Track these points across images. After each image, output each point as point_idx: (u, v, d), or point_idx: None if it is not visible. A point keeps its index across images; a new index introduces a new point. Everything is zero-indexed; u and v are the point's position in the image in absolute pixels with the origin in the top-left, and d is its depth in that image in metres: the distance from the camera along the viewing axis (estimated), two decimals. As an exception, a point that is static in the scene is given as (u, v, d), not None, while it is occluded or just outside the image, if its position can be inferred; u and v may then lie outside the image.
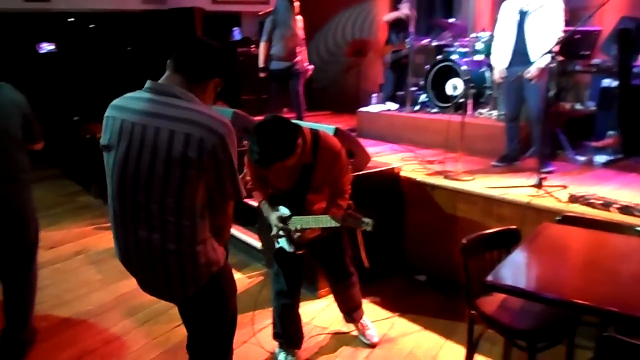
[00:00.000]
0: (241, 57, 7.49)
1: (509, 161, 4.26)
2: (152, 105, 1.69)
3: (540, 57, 3.70)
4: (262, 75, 5.83)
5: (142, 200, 1.68)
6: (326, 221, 2.47)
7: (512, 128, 4.29)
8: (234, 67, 7.37)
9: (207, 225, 1.77)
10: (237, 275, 3.88)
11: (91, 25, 8.45)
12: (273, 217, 2.55)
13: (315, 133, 2.47)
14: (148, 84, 1.75)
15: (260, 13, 7.19)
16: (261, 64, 5.74)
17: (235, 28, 8.32)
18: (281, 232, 2.54)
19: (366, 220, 2.42)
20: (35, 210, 2.80)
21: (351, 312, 3.01)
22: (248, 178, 2.64)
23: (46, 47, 8.18)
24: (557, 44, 3.61)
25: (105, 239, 4.63)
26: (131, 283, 3.67)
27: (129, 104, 1.75)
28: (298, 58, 5.77)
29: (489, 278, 1.96)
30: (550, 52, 3.58)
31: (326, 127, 3.37)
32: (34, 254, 2.84)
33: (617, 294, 1.86)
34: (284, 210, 2.55)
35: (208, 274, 1.80)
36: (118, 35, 8.29)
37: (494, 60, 4.24)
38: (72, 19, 8.22)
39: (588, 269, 2.15)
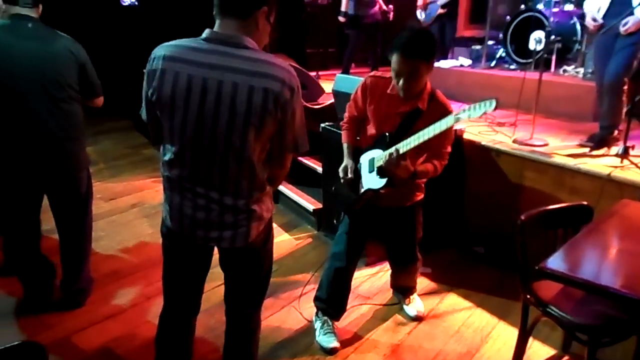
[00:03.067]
0: (308, 7, 7.20)
1: (602, 143, 3.33)
2: (221, 57, 1.56)
3: None
4: (342, 19, 5.71)
5: (219, 159, 1.62)
6: (437, 127, 2.04)
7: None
8: (299, 17, 7.12)
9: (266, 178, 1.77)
10: (284, 236, 3.81)
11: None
12: (365, 157, 2.40)
13: (433, 88, 2.34)
14: (208, 33, 1.60)
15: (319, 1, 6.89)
16: (343, 7, 5.60)
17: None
18: (369, 170, 2.36)
19: (488, 101, 1.94)
20: (88, 164, 2.80)
21: (404, 291, 2.88)
22: (346, 114, 2.52)
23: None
24: None
25: (162, 193, 4.70)
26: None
27: (189, 56, 1.58)
28: (377, 5, 5.77)
29: (543, 264, 1.68)
30: None
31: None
32: (88, 207, 2.86)
33: None
34: (376, 153, 2.32)
35: (264, 225, 1.82)
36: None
37: (587, 4, 3.52)
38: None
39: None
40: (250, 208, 1.72)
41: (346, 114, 2.53)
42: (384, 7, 6.05)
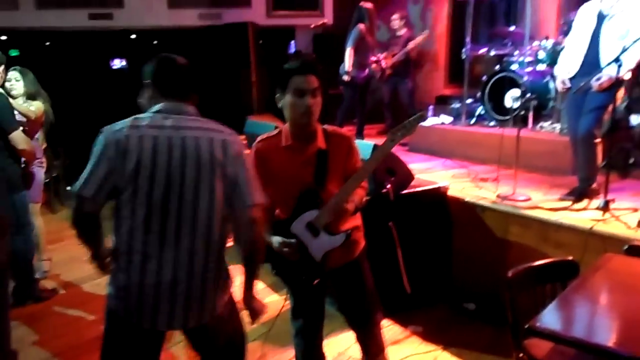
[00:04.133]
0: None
1: (582, 197, 3.44)
2: (178, 121, 1.74)
3: (623, 64, 3.09)
4: (346, 79, 5.88)
5: (188, 214, 1.69)
6: (378, 156, 2.15)
7: None
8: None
9: None
10: (274, 297, 3.75)
11: (154, 42, 8.75)
12: (299, 224, 2.16)
13: (320, 126, 2.24)
14: (157, 109, 1.78)
15: (312, 26, 7.15)
16: (348, 68, 5.78)
17: (291, 41, 8.33)
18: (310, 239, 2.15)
19: (417, 116, 2.12)
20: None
21: (375, 357, 2.45)
22: None
23: (118, 63, 8.60)
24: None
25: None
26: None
27: (147, 123, 1.72)
28: (374, 66, 6.06)
29: (533, 322, 1.69)
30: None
31: (363, 143, 3.18)
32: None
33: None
34: (310, 215, 2.14)
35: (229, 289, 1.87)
36: (178, 51, 8.52)
37: (558, 68, 3.73)
38: (135, 36, 8.54)
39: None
40: (220, 273, 1.80)
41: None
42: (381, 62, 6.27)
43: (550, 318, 1.78)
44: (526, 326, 1.68)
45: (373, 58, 6.12)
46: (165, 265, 1.68)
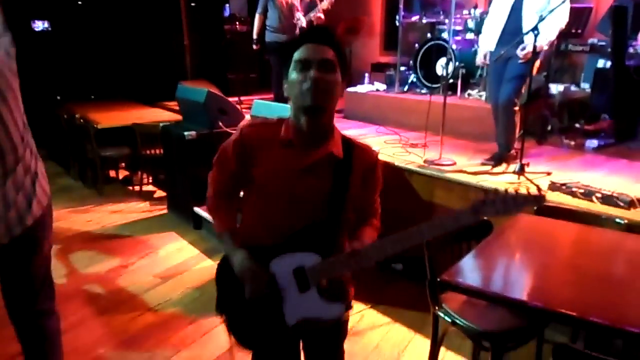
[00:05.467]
0: (228, 34, 7.26)
1: (501, 161, 3.64)
2: None
3: (541, 34, 3.18)
4: (255, 47, 5.69)
5: None
6: (435, 228, 1.42)
7: None
8: (220, 44, 7.17)
9: None
10: (207, 262, 3.77)
11: (79, 2, 8.21)
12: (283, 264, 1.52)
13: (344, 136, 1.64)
14: None
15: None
16: (254, 35, 5.60)
17: (225, 4, 8.08)
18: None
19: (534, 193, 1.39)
20: None
21: None
22: (210, 189, 1.67)
23: (40, 25, 8.01)
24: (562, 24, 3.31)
25: (78, 223, 4.51)
26: (95, 270, 3.62)
27: None
28: (297, 30, 5.55)
29: (446, 276, 1.80)
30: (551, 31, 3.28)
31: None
32: None
33: (597, 300, 1.69)
34: (307, 258, 1.49)
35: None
36: (104, 14, 8.07)
37: (481, 40, 3.87)
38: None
39: (563, 268, 1.98)
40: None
41: (210, 189, 1.67)
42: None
43: (462, 271, 1.90)
44: (438, 279, 1.79)
45: (294, 20, 5.69)
46: None
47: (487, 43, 3.75)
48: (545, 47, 3.51)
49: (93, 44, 7.60)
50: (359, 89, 6.03)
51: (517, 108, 3.59)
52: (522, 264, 2.05)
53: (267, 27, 5.62)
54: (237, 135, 1.58)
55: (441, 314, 2.24)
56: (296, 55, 1.46)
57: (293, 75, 1.46)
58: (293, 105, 1.50)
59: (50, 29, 8.14)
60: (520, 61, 3.45)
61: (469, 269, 1.96)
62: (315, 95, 1.42)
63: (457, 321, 2.15)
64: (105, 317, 3.04)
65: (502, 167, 3.54)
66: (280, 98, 5.73)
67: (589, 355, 1.39)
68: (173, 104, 6.03)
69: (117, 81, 7.40)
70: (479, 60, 3.85)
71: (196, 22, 7.45)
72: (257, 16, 5.64)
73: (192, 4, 7.41)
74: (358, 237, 1.56)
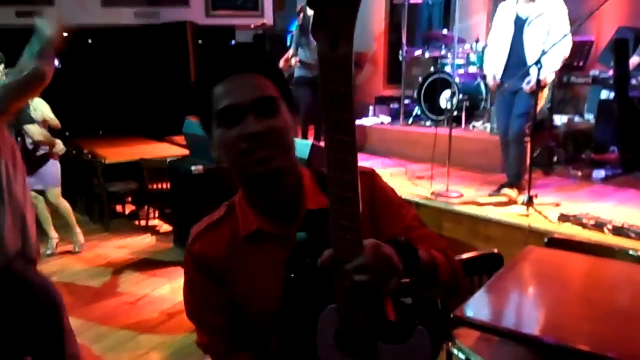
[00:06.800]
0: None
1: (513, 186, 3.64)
2: None
3: (544, 66, 3.24)
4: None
5: None
6: None
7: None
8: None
9: None
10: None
11: (89, 41, 8.42)
12: None
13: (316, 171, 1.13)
14: None
15: (252, 26, 7.13)
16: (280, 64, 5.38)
17: (231, 41, 8.25)
18: None
19: None
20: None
21: None
22: (204, 338, 1.15)
23: (52, 63, 8.20)
24: (564, 55, 3.36)
25: (84, 258, 4.50)
26: (101, 306, 3.59)
27: None
28: None
29: (459, 312, 1.78)
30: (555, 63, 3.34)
31: (300, 142, 3.21)
32: None
33: (612, 335, 1.65)
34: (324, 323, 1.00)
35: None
36: (114, 51, 8.25)
37: (486, 66, 3.88)
38: (66, 34, 8.17)
39: (576, 302, 1.95)
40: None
41: (204, 338, 1.14)
42: None
43: (475, 307, 1.88)
44: (451, 315, 1.76)
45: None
46: None
47: (492, 67, 3.76)
48: (549, 80, 3.54)
49: (101, 81, 7.76)
50: (364, 121, 6.09)
51: (527, 139, 3.61)
52: (535, 298, 2.02)
53: (300, 63, 5.42)
54: (188, 264, 1.12)
55: (455, 351, 2.19)
56: (217, 101, 0.97)
57: (217, 133, 0.98)
58: (236, 177, 1.03)
59: (59, 66, 8.35)
60: (527, 92, 3.48)
61: (482, 305, 1.94)
62: (261, 158, 0.95)
63: (472, 358, 2.10)
64: (110, 355, 3.00)
65: (514, 193, 3.51)
66: (306, 133, 5.58)
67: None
68: (180, 139, 6.09)
69: (125, 116, 7.51)
70: (490, 82, 3.81)
71: (203, 58, 7.60)
72: (291, 51, 5.49)
73: (199, 41, 7.57)
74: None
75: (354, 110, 0.75)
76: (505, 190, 3.56)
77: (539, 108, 3.50)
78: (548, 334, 1.68)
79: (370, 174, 1.13)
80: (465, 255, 2.36)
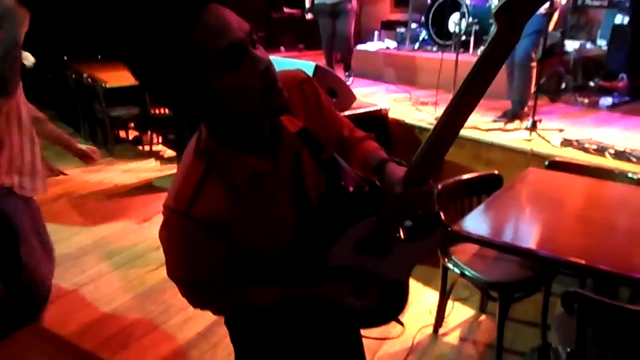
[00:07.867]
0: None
1: (514, 118, 3.61)
2: None
3: None
4: (308, 17, 5.25)
5: None
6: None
7: None
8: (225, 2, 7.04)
9: None
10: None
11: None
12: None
13: None
14: None
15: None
16: (307, 3, 5.14)
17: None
18: None
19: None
20: None
21: None
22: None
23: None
24: None
25: (91, 182, 4.56)
26: (110, 226, 3.69)
27: None
28: None
29: (455, 227, 1.82)
30: None
31: (304, 64, 3.16)
32: None
33: (605, 249, 1.71)
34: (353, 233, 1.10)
35: None
36: None
37: None
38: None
39: (572, 220, 2.00)
40: None
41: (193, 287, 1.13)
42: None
43: (473, 222, 1.92)
44: (449, 228, 1.81)
45: None
46: None
47: None
48: (563, 1, 3.42)
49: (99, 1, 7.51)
50: (369, 46, 5.93)
51: (534, 64, 3.53)
52: (532, 215, 2.07)
53: None
54: (195, 233, 0.98)
55: (450, 266, 2.27)
56: (207, 45, 0.82)
57: (222, 81, 0.85)
58: (243, 119, 0.93)
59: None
60: (538, 13, 3.37)
61: (480, 221, 1.98)
62: (280, 89, 0.90)
63: (467, 272, 2.18)
64: (121, 270, 3.12)
65: (515, 124, 3.50)
66: (331, 61, 5.32)
67: (597, 300, 1.41)
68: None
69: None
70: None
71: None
72: None
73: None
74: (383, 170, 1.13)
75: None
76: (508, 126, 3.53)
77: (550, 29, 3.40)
78: (543, 247, 1.73)
79: (310, 80, 1.13)
80: (465, 176, 2.39)
